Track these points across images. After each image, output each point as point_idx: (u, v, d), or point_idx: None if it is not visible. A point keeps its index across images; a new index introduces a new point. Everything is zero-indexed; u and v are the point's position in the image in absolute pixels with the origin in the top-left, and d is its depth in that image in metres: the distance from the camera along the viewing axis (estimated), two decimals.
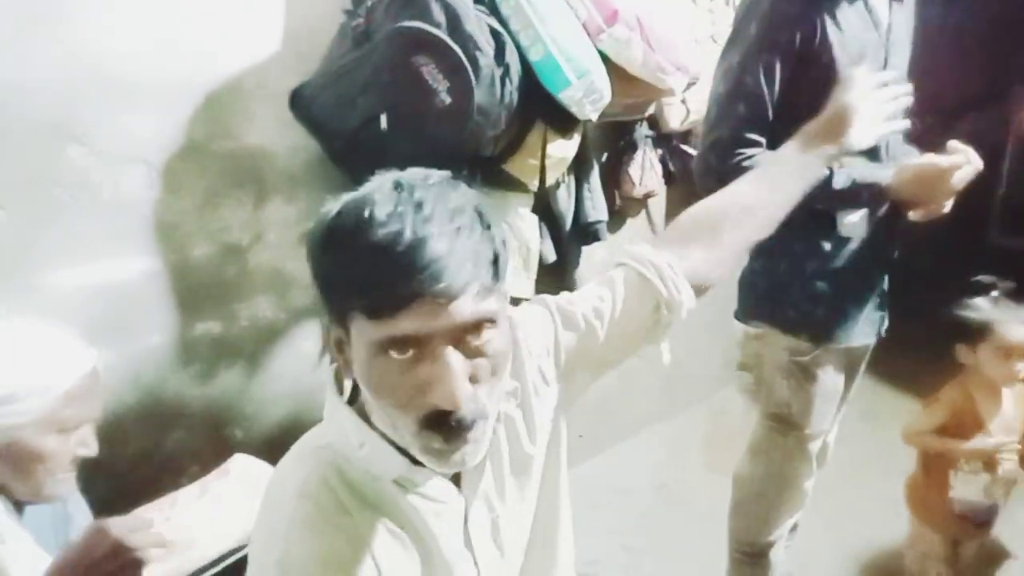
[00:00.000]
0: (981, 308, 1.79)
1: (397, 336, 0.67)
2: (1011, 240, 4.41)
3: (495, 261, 0.71)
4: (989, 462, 1.84)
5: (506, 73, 1.52)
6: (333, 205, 0.72)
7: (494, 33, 1.50)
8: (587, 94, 1.61)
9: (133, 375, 1.61)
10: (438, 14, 1.43)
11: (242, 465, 1.57)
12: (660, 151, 2.45)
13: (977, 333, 1.79)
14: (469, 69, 1.46)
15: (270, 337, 1.82)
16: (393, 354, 0.68)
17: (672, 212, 2.80)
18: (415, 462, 0.78)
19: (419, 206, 0.67)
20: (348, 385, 0.82)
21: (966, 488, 1.85)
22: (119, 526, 0.99)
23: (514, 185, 1.83)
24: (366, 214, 0.67)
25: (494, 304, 0.71)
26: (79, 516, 1.20)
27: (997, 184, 3.93)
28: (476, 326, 0.69)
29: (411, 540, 0.80)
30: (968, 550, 1.99)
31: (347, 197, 0.72)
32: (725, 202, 1.07)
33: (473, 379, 0.71)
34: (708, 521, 2.07)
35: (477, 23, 1.47)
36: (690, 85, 1.98)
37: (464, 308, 0.67)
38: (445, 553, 0.82)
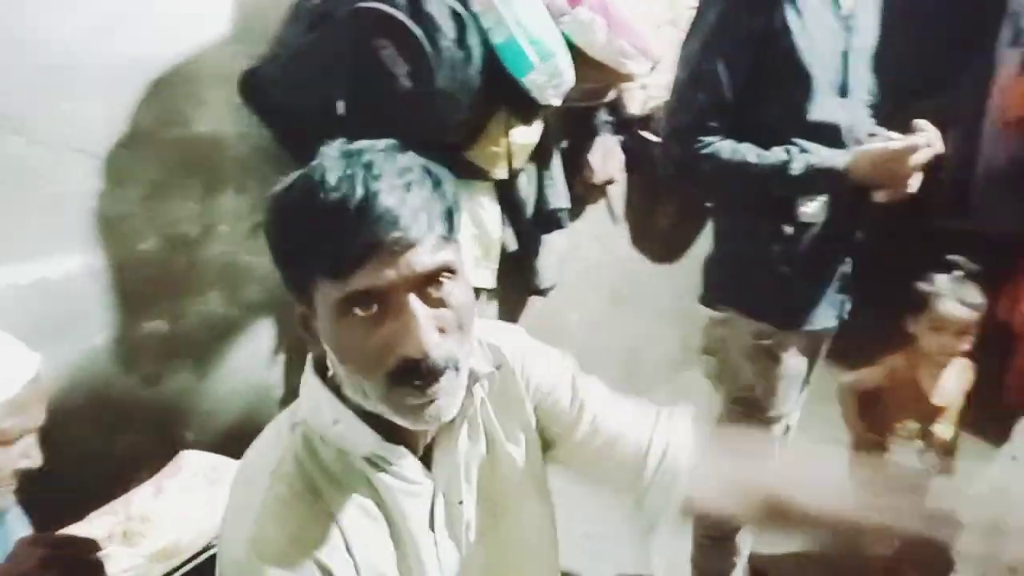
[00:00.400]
0: (934, 282, 1.85)
1: (360, 290, 0.68)
2: (956, 223, 4.56)
3: (449, 216, 0.73)
4: (924, 430, 1.90)
5: (468, 56, 1.47)
6: (283, 183, 0.74)
7: (455, 15, 1.45)
8: (551, 78, 1.57)
9: (78, 378, 1.53)
10: None
11: (192, 460, 1.53)
12: (620, 137, 2.44)
13: (920, 305, 1.85)
14: (430, 52, 1.41)
15: (222, 334, 1.76)
16: (357, 312, 0.70)
17: (632, 199, 2.79)
18: (388, 439, 0.79)
19: (368, 166, 0.70)
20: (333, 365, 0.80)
21: (903, 454, 1.91)
22: (48, 541, 0.95)
23: (476, 173, 1.79)
24: (317, 178, 0.69)
25: (451, 255, 0.72)
26: (19, 530, 1.13)
27: (942, 167, 4.04)
28: (436, 277, 0.71)
29: (382, 518, 0.81)
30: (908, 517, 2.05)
31: (296, 172, 0.73)
32: (789, 474, 0.98)
33: (440, 331, 0.72)
34: None
35: (438, 4, 1.42)
36: (651, 69, 1.96)
37: (422, 256, 0.69)
38: (414, 532, 0.83)
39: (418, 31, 1.38)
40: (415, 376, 0.70)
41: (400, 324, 0.69)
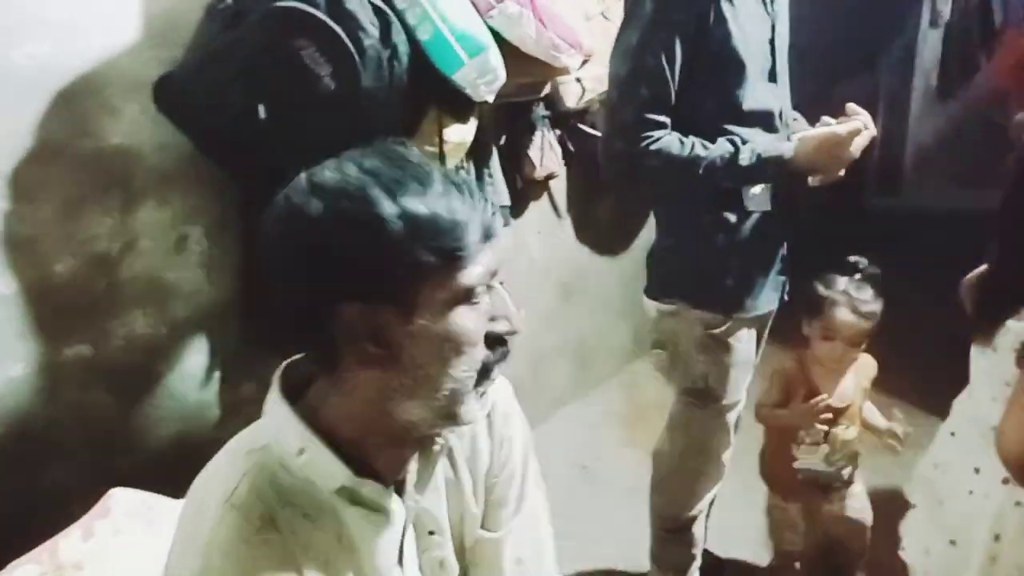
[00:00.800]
0: (831, 284, 1.78)
1: (485, 273, 0.73)
2: (884, 201, 4.72)
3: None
4: (829, 434, 1.84)
5: (394, 55, 1.42)
6: (309, 198, 0.69)
7: (378, 12, 1.40)
8: (481, 74, 1.53)
9: None
10: None
11: (122, 499, 1.43)
12: (558, 131, 2.42)
13: (815, 309, 1.79)
14: (353, 51, 1.36)
15: (150, 355, 1.66)
16: (471, 302, 0.73)
17: (573, 193, 2.78)
18: (359, 473, 0.75)
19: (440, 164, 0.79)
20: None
21: (807, 459, 1.87)
22: None
23: None
24: (416, 172, 0.71)
25: None
26: None
27: (871, 148, 4.17)
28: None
29: (344, 552, 0.76)
30: (825, 515, 1.99)
31: (335, 178, 0.71)
32: None
33: None
34: (630, 500, 2.07)
35: (360, 2, 1.36)
36: (584, 62, 1.94)
37: (503, 248, 0.76)
38: (380, 569, 0.78)
39: (339, 30, 1.32)
40: (500, 357, 0.77)
41: (496, 306, 0.76)
